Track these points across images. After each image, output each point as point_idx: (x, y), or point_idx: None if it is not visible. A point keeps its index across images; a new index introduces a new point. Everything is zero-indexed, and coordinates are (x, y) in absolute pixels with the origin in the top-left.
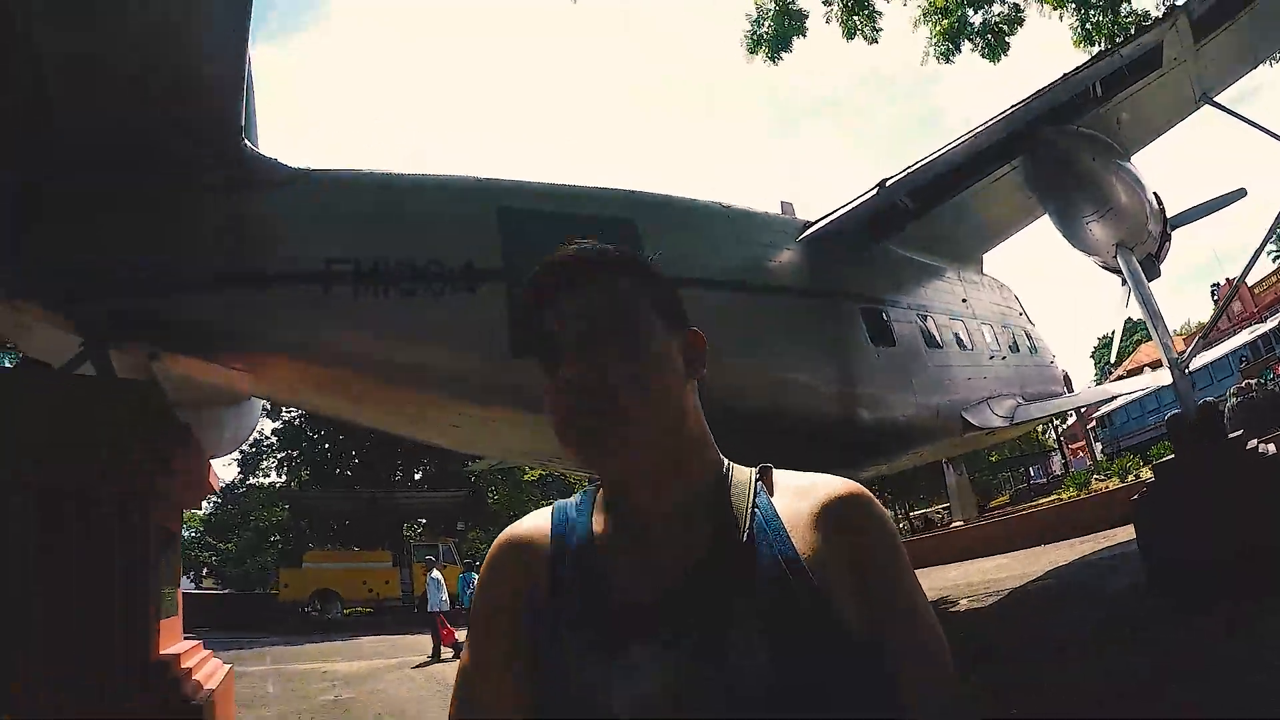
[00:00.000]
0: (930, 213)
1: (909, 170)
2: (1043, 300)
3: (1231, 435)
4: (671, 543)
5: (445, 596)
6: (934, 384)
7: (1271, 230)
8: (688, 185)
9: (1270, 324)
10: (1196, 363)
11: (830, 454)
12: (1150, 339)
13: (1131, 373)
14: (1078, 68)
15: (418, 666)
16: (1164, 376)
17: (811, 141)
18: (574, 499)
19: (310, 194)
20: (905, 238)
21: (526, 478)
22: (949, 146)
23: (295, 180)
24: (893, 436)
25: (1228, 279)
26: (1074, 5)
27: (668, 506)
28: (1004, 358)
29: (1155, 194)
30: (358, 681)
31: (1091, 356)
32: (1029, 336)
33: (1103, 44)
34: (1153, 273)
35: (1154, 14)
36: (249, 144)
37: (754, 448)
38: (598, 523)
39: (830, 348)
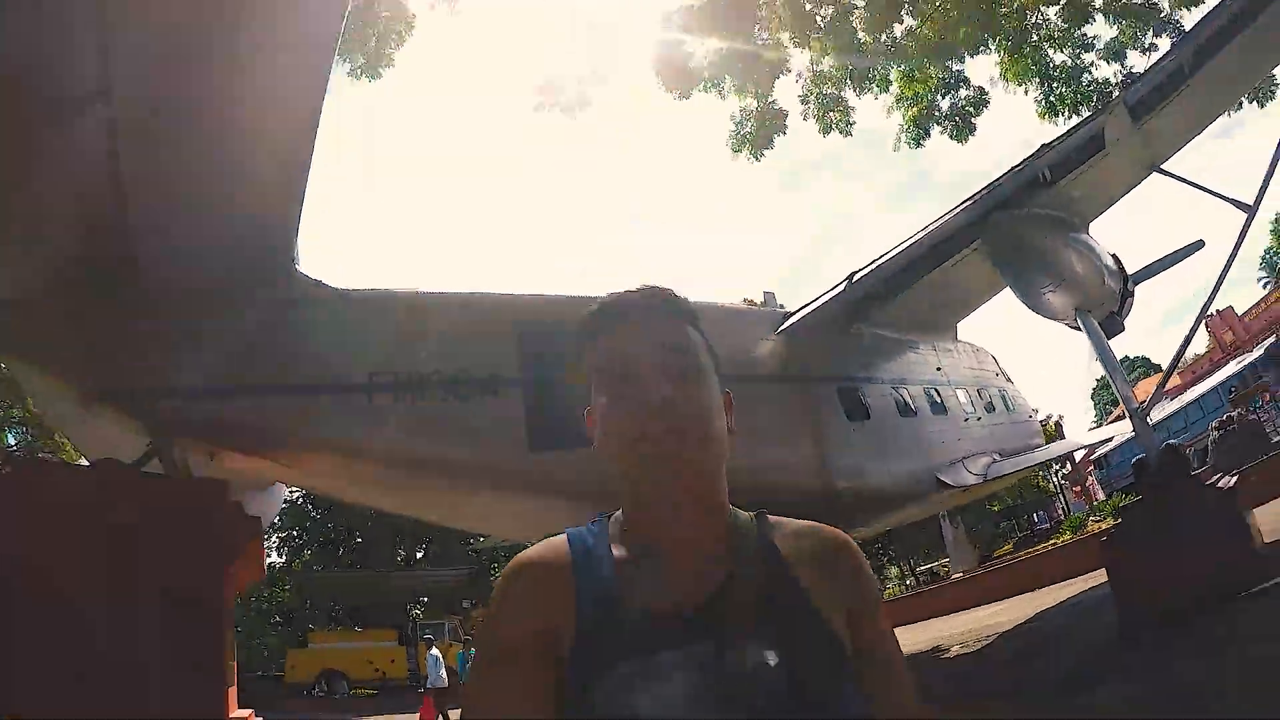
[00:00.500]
0: (898, 297)
1: (875, 263)
2: (1042, 344)
3: (1194, 473)
4: (694, 569)
5: (444, 673)
6: (908, 450)
7: (1222, 274)
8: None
9: (1256, 352)
10: (1189, 395)
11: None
12: (1147, 375)
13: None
14: (1024, 160)
15: None
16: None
17: (819, 194)
18: (586, 527)
19: (352, 313)
20: (878, 319)
21: None
22: (913, 238)
23: (338, 299)
24: (869, 502)
25: (1217, 310)
26: (1037, 80)
27: (693, 534)
28: (979, 418)
29: (1114, 256)
30: None
31: (1092, 398)
32: (1004, 395)
33: (1067, 114)
34: (1115, 329)
35: (1113, 80)
36: (299, 268)
37: None
38: (616, 549)
39: (809, 426)
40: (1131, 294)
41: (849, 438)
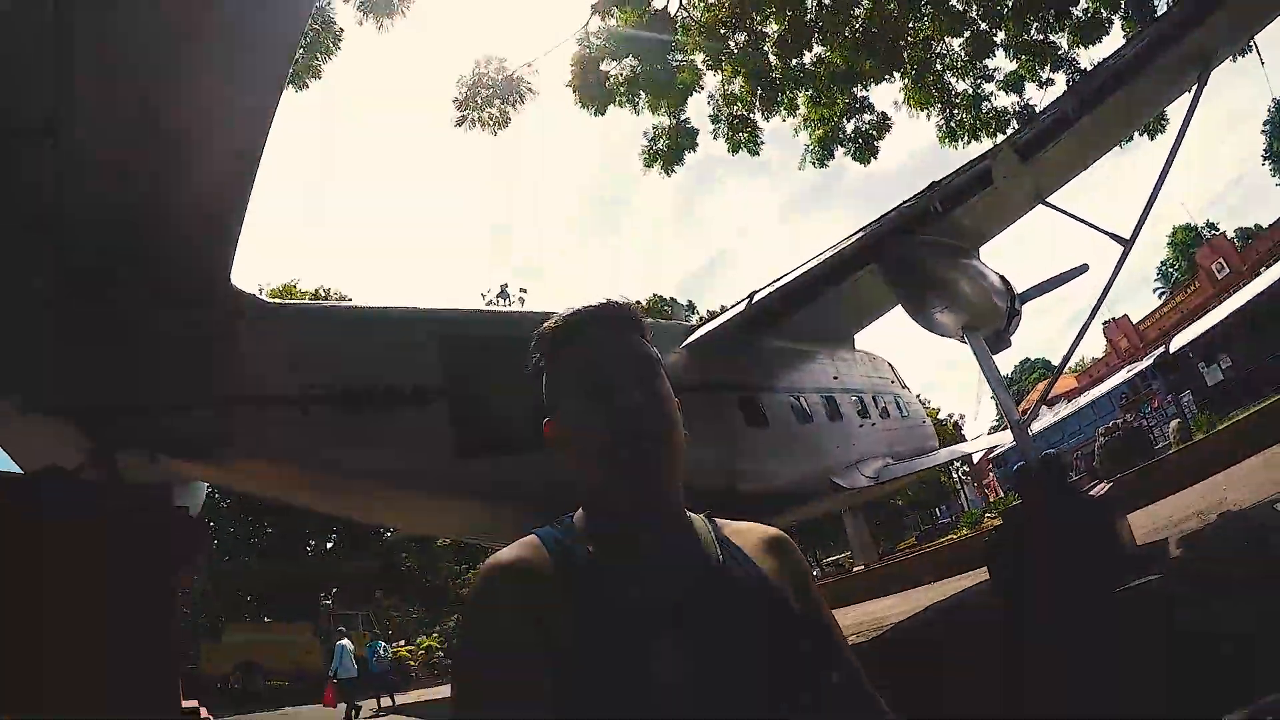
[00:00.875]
0: (796, 313)
1: (775, 283)
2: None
3: (1070, 480)
4: (669, 564)
5: (353, 663)
6: (803, 455)
7: (1097, 304)
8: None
9: (1146, 361)
10: (1083, 399)
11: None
12: (1045, 378)
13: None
14: (917, 194)
15: None
16: (1061, 412)
17: (728, 197)
18: (552, 529)
19: (287, 327)
20: (777, 332)
21: (439, 544)
22: (812, 259)
23: (273, 313)
24: (768, 503)
25: (1114, 318)
26: (939, 106)
27: (664, 532)
28: (873, 424)
29: (1002, 277)
30: None
31: (992, 398)
32: (899, 401)
33: (966, 139)
34: (1001, 345)
35: (1011, 109)
36: (234, 283)
37: None
38: (592, 548)
39: (712, 434)
40: (1018, 312)
41: (748, 444)
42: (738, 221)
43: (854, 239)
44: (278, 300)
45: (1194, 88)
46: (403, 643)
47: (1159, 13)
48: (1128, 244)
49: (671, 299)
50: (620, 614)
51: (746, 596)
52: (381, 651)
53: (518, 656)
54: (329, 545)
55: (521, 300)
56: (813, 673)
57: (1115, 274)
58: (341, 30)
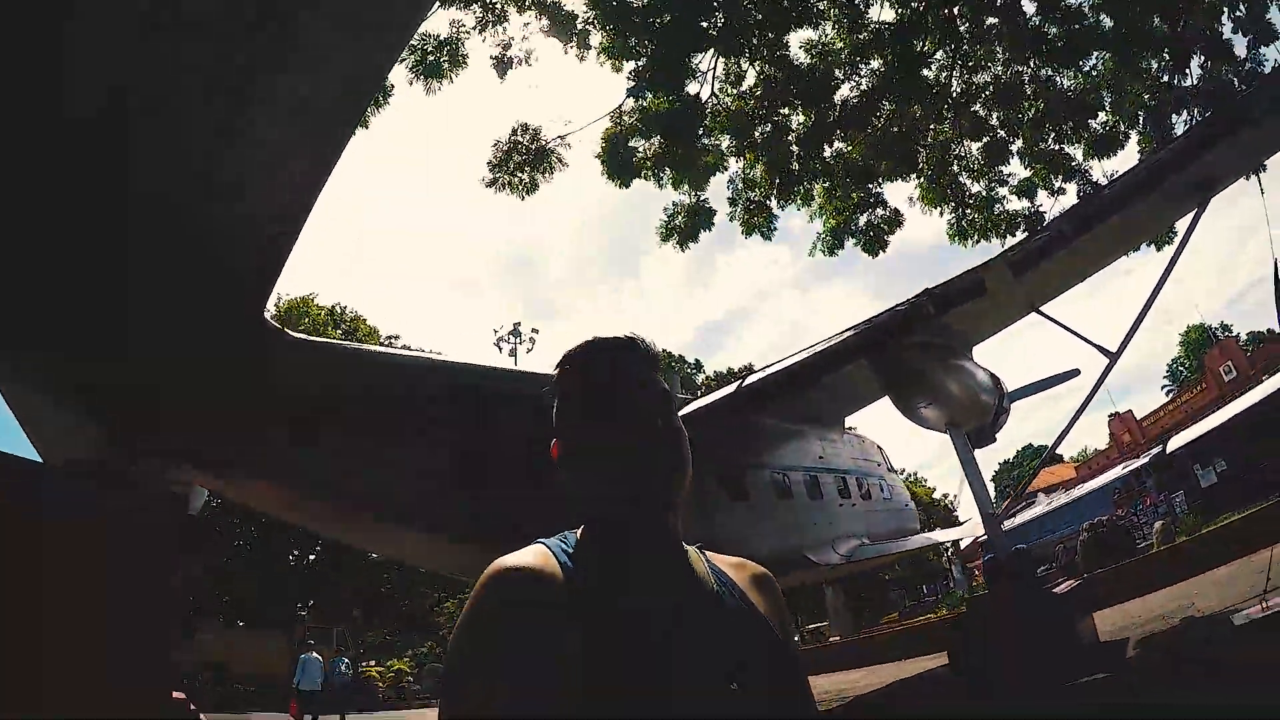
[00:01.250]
0: (785, 399)
1: (767, 369)
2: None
3: (1038, 574)
4: (665, 585)
5: (319, 677)
6: (780, 529)
7: (1077, 413)
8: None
9: (1142, 459)
10: (1078, 491)
11: None
12: (1053, 464)
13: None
14: (912, 297)
15: None
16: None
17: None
18: (558, 541)
19: (308, 361)
20: (767, 410)
21: (420, 571)
22: (806, 349)
23: (297, 348)
24: None
25: (1118, 412)
26: (952, 205)
27: (666, 549)
28: (854, 504)
29: (992, 376)
30: None
31: (993, 479)
32: (883, 484)
33: (975, 238)
34: (985, 440)
35: (1023, 213)
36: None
37: None
38: (597, 559)
39: (693, 504)
40: (1006, 410)
41: (727, 515)
42: (757, 282)
43: (847, 334)
44: (304, 336)
45: (1195, 211)
46: (373, 663)
47: (1175, 131)
48: (1114, 357)
49: (680, 356)
50: (628, 630)
51: (742, 625)
52: (343, 668)
53: (528, 658)
54: (311, 558)
55: (533, 340)
56: (795, 706)
57: (1098, 385)
58: (393, 86)
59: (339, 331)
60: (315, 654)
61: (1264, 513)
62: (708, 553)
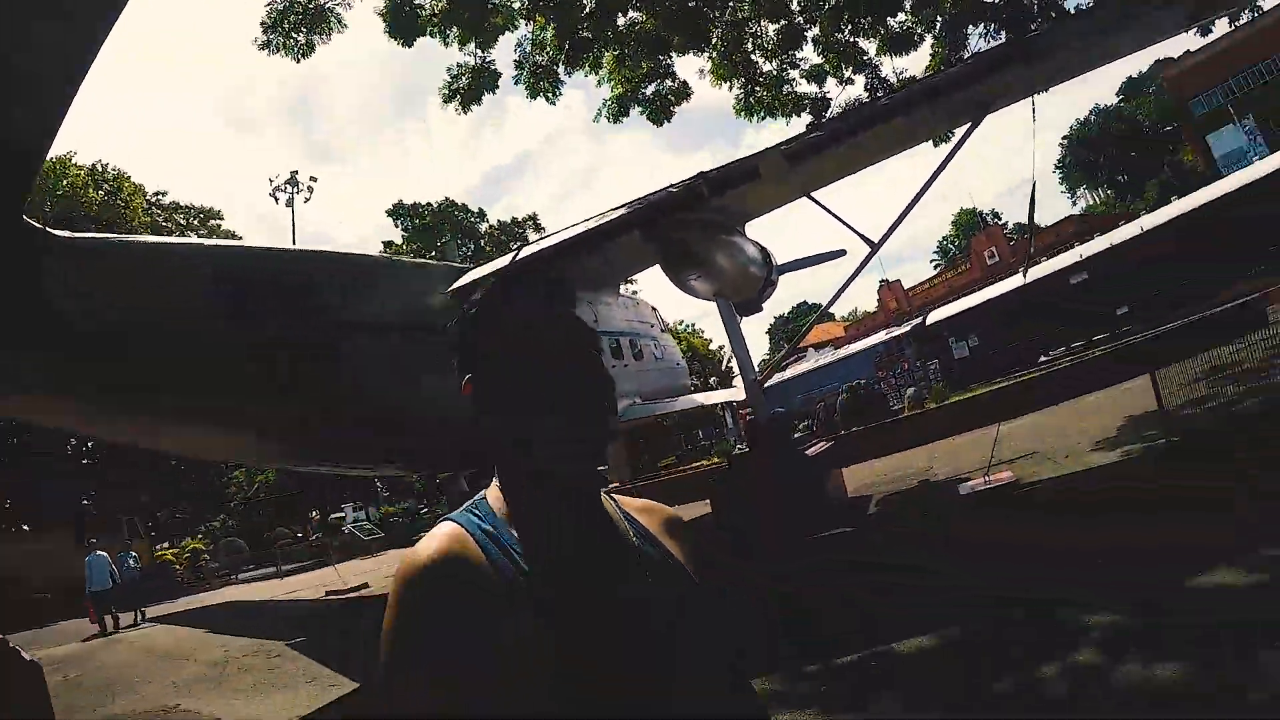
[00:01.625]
0: (561, 266)
1: (541, 242)
2: None
3: (794, 438)
4: (591, 544)
5: (107, 576)
6: None
7: (839, 291)
8: None
9: (905, 327)
10: (848, 349)
11: (456, 454)
12: (824, 321)
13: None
14: (689, 178)
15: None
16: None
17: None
18: (471, 515)
19: (77, 264)
20: None
21: None
22: (582, 223)
23: (65, 249)
24: None
25: (886, 280)
26: (741, 80)
27: (586, 510)
28: (626, 365)
29: (762, 249)
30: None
31: (767, 333)
32: (656, 344)
33: (761, 114)
34: (752, 309)
35: (810, 96)
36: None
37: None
38: (515, 528)
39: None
40: (774, 283)
41: None
42: (546, 127)
43: (622, 210)
44: (68, 234)
45: (968, 125)
46: (166, 545)
47: (969, 40)
48: (875, 246)
49: (463, 205)
50: (563, 603)
51: (667, 578)
52: (131, 562)
53: (461, 654)
54: (90, 444)
55: (310, 189)
56: (725, 649)
57: (857, 272)
58: None
59: (101, 193)
60: (100, 551)
61: (1004, 390)
62: (616, 497)
